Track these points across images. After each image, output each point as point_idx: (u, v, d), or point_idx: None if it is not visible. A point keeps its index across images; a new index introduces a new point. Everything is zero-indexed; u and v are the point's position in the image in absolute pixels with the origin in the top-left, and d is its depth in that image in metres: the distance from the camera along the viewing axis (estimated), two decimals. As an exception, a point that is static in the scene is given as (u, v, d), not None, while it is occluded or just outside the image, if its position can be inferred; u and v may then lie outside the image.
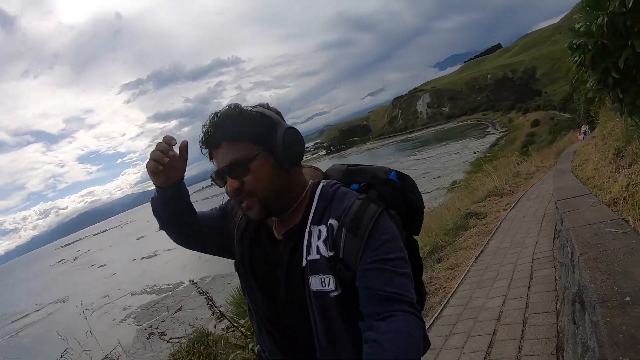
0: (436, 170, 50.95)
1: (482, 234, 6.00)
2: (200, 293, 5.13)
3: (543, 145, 33.15)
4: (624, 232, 1.66)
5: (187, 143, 1.08)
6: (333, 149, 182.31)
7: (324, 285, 0.90)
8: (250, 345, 3.88)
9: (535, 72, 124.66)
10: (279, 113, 1.00)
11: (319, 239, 0.92)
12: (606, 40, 1.96)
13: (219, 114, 0.94)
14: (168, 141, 1.03)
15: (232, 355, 4.10)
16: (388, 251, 0.87)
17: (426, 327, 0.91)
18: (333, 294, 0.90)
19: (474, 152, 58.40)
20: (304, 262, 0.92)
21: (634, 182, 2.16)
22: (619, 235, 1.65)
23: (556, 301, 3.00)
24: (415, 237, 1.10)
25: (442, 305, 3.66)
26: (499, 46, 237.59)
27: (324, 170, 1.15)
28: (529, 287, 3.47)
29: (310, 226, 0.95)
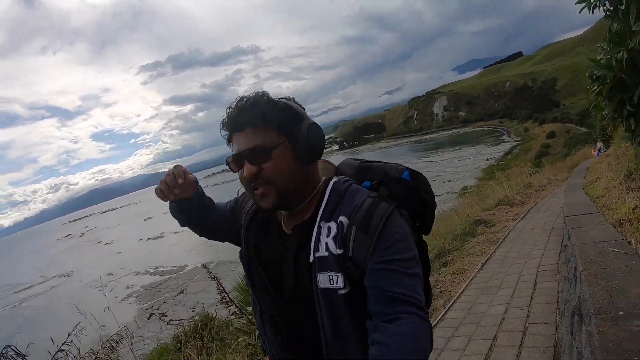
0: (448, 174, 50.67)
1: (490, 242, 6.00)
2: (211, 278, 5.27)
3: (557, 157, 32.71)
4: (626, 252, 1.73)
5: (197, 180, 1.11)
6: (346, 145, 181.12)
7: (332, 283, 0.89)
8: (256, 333, 3.90)
9: (556, 83, 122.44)
10: (303, 108, 0.99)
11: (328, 235, 0.91)
12: (624, 74, 2.05)
13: (245, 99, 0.93)
14: (178, 174, 1.06)
15: (238, 340, 4.24)
16: (398, 251, 0.86)
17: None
18: (341, 292, 0.89)
19: (487, 159, 57.92)
20: (311, 258, 0.91)
21: (640, 206, 2.23)
22: (621, 255, 1.72)
23: (557, 313, 3.05)
24: (424, 238, 1.08)
25: (446, 308, 3.73)
26: (520, 54, 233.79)
27: (336, 164, 1.13)
28: (531, 298, 3.51)
29: (319, 222, 0.93)
